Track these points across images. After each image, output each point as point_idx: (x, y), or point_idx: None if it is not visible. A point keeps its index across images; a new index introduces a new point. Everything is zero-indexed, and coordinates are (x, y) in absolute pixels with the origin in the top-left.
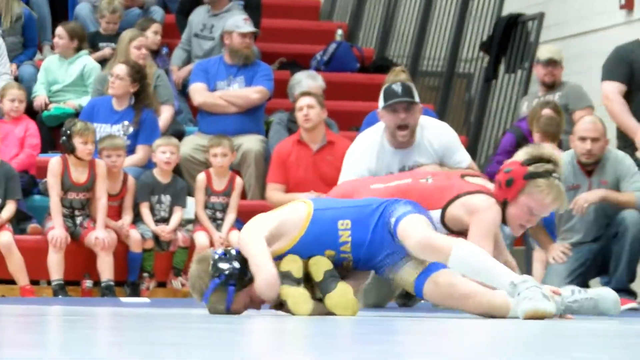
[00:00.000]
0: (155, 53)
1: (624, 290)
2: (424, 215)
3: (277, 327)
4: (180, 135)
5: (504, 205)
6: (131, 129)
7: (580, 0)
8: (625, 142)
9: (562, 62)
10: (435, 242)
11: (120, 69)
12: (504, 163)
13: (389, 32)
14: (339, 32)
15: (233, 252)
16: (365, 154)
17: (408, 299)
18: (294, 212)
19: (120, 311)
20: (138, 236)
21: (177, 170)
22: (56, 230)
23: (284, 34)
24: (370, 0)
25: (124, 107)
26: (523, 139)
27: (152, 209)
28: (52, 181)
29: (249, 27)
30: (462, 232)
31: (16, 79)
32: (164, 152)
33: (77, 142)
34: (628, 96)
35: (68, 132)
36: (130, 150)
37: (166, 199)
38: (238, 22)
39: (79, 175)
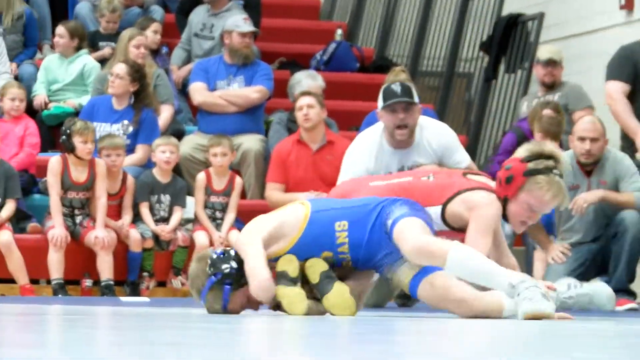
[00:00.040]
0: (155, 52)
1: (624, 291)
2: (421, 217)
3: (274, 327)
4: (180, 134)
5: (504, 202)
6: (131, 128)
7: (580, 0)
8: (627, 142)
9: (562, 62)
10: (430, 248)
11: (120, 68)
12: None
13: (388, 32)
14: (339, 31)
15: (232, 252)
16: (364, 154)
17: (407, 299)
18: (291, 214)
19: (120, 310)
20: (138, 236)
21: (176, 170)
22: (56, 230)
23: (283, 34)
24: (370, 0)
25: (124, 107)
26: (524, 139)
27: (151, 209)
28: (52, 180)
29: (248, 27)
30: (462, 229)
31: (16, 78)
32: (164, 151)
33: (77, 141)
34: (632, 96)
35: (68, 131)
36: (130, 150)
37: (166, 198)
38: (238, 21)
39: (78, 174)
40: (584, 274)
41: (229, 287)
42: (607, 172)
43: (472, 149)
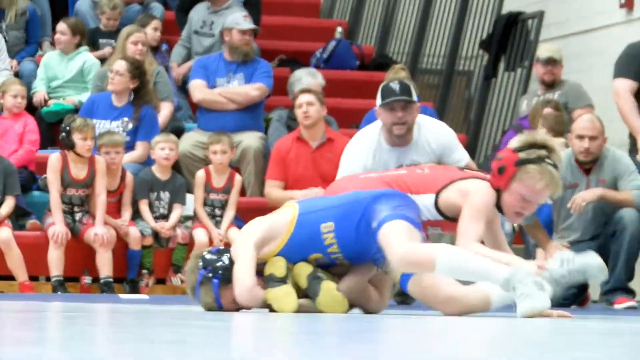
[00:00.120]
0: (154, 50)
1: (622, 289)
2: (406, 214)
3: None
4: (179, 131)
5: (498, 193)
6: (130, 125)
7: None
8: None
9: (562, 61)
10: (416, 257)
11: (120, 65)
12: None
13: (388, 30)
14: (339, 29)
15: (227, 250)
16: (362, 151)
17: (406, 297)
18: (280, 217)
19: (119, 308)
20: (137, 233)
21: (176, 167)
22: (57, 226)
23: (283, 31)
24: None
25: (124, 103)
26: None
27: (151, 206)
28: (52, 177)
29: (248, 24)
30: (456, 219)
31: (16, 74)
32: (163, 148)
33: (76, 138)
34: (639, 94)
35: (67, 128)
36: (130, 147)
37: (165, 195)
38: (238, 19)
39: (78, 171)
40: None
41: (217, 281)
42: (606, 171)
43: (471, 147)
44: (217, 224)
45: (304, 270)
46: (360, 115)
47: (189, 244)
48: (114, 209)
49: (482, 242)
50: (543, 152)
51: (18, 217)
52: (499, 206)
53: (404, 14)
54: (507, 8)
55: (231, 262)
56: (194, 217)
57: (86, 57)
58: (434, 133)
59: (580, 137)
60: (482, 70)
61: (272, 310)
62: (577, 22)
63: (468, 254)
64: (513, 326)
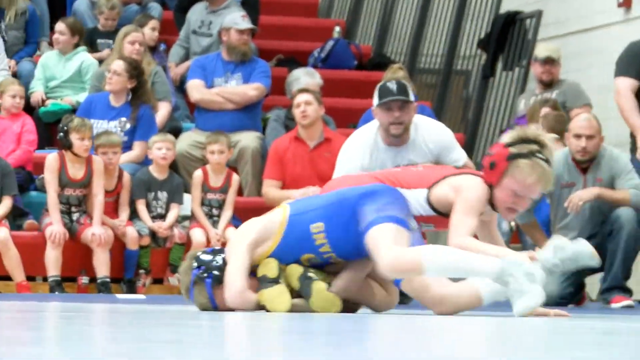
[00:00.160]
0: (152, 49)
1: (619, 288)
2: (395, 215)
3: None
4: (177, 131)
5: (491, 189)
6: (128, 125)
7: None
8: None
9: (560, 60)
10: (404, 263)
11: (118, 64)
12: None
13: (386, 29)
14: (337, 29)
15: (222, 250)
16: (359, 151)
17: (404, 296)
18: (273, 218)
19: (116, 308)
20: (134, 234)
21: (173, 167)
22: (54, 227)
23: (281, 31)
24: None
25: (121, 103)
26: None
27: (148, 206)
28: (50, 177)
29: (246, 24)
30: (448, 214)
31: (15, 75)
32: (160, 148)
33: (74, 138)
34: None
35: (65, 128)
36: (127, 147)
37: (163, 195)
38: (236, 18)
39: (75, 171)
40: (579, 271)
41: (210, 281)
42: (603, 170)
43: (469, 146)
44: (215, 223)
45: (295, 271)
46: (358, 115)
47: (187, 244)
48: (112, 209)
49: (476, 237)
50: (534, 147)
51: (15, 217)
52: (492, 203)
53: (402, 14)
54: (505, 7)
55: (225, 262)
56: (192, 217)
57: (84, 57)
58: (431, 133)
59: (578, 136)
60: (480, 70)
61: (266, 311)
62: (575, 22)
63: (455, 252)
64: (511, 326)
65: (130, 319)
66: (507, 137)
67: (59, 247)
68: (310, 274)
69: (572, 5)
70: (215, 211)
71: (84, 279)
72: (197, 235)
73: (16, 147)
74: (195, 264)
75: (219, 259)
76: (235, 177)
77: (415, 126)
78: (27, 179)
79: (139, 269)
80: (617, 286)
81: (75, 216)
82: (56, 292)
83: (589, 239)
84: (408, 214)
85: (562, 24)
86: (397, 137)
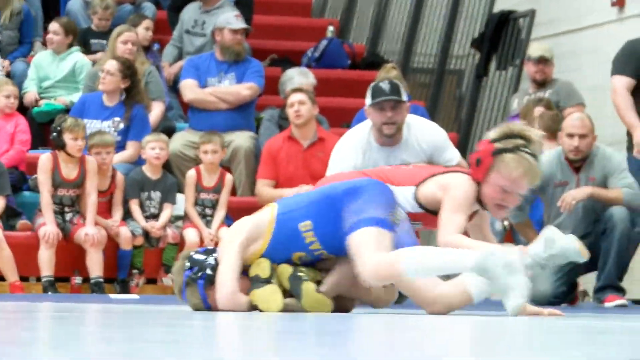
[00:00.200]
0: (146, 49)
1: (613, 287)
2: (375, 220)
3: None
4: (170, 131)
5: (478, 186)
6: (122, 125)
7: None
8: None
9: (553, 59)
10: (383, 270)
11: (111, 64)
12: None
13: (380, 29)
14: (330, 28)
15: (214, 251)
16: (352, 150)
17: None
18: (261, 217)
19: (109, 308)
20: (128, 234)
21: (167, 167)
22: (48, 227)
23: (275, 31)
24: None
25: (115, 103)
26: None
27: (142, 206)
28: (43, 177)
29: (240, 24)
30: (437, 212)
31: (8, 75)
32: (153, 147)
33: (67, 138)
34: (638, 91)
35: (58, 128)
36: (121, 147)
37: (156, 195)
38: (229, 18)
39: (69, 171)
40: (573, 270)
41: (202, 282)
42: (596, 169)
43: (462, 146)
44: (208, 223)
45: (285, 271)
46: (351, 114)
47: (180, 244)
48: (105, 209)
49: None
50: (520, 142)
51: (8, 218)
52: (481, 201)
53: (396, 13)
54: (498, 7)
55: (217, 262)
56: (185, 217)
57: (78, 57)
58: (424, 133)
59: (570, 135)
60: (474, 69)
61: (259, 311)
62: (569, 21)
63: (432, 251)
64: (504, 325)
65: (123, 319)
66: (492, 133)
67: (52, 247)
68: (300, 274)
69: (565, 5)
70: (208, 211)
71: (77, 279)
72: (191, 235)
73: (9, 147)
74: (188, 264)
75: (211, 260)
76: (228, 177)
77: (408, 126)
78: (20, 179)
79: (132, 269)
80: (610, 285)
81: (68, 216)
82: (49, 292)
83: (582, 238)
84: (393, 207)
85: (555, 23)
86: (390, 137)
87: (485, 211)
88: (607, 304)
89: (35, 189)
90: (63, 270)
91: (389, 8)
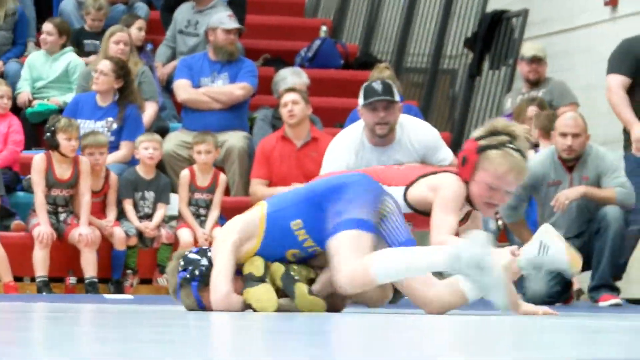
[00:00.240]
0: (139, 49)
1: (607, 286)
2: (355, 221)
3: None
4: (164, 131)
5: (467, 185)
6: (115, 125)
7: None
8: (628, 136)
9: (546, 59)
10: (357, 278)
11: (104, 64)
12: None
13: (373, 29)
14: (324, 28)
15: (208, 250)
16: (345, 150)
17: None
18: (252, 215)
19: (104, 308)
20: (122, 234)
21: (160, 167)
22: (42, 227)
23: (268, 31)
24: None
25: (108, 103)
26: None
27: (135, 206)
28: (36, 178)
29: (233, 24)
30: (427, 213)
31: (1, 75)
32: (147, 147)
33: (61, 138)
34: (632, 90)
35: (52, 128)
36: (114, 147)
37: (150, 195)
38: (222, 18)
39: (62, 171)
40: None
41: (195, 283)
42: (589, 168)
43: (456, 146)
44: (202, 223)
45: (277, 270)
46: (345, 114)
47: (174, 244)
48: (99, 210)
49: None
50: (504, 138)
51: (2, 218)
52: (469, 200)
53: (389, 13)
54: (491, 6)
55: (211, 263)
56: (179, 217)
57: (71, 58)
58: (417, 133)
59: (563, 134)
60: (467, 69)
61: (253, 310)
62: (562, 20)
63: (403, 253)
64: (500, 324)
65: (118, 319)
66: (477, 131)
67: (47, 248)
68: (292, 273)
69: (558, 4)
70: (202, 211)
71: (71, 279)
72: (185, 235)
73: (3, 147)
74: (182, 263)
75: (204, 261)
76: (222, 177)
77: (401, 126)
78: (14, 180)
79: (126, 269)
80: (604, 285)
81: (62, 216)
82: (44, 293)
83: (576, 237)
84: (379, 202)
85: (548, 22)
86: (383, 137)
87: (477, 214)
88: (601, 304)
89: (29, 190)
90: (57, 271)
91: (382, 8)
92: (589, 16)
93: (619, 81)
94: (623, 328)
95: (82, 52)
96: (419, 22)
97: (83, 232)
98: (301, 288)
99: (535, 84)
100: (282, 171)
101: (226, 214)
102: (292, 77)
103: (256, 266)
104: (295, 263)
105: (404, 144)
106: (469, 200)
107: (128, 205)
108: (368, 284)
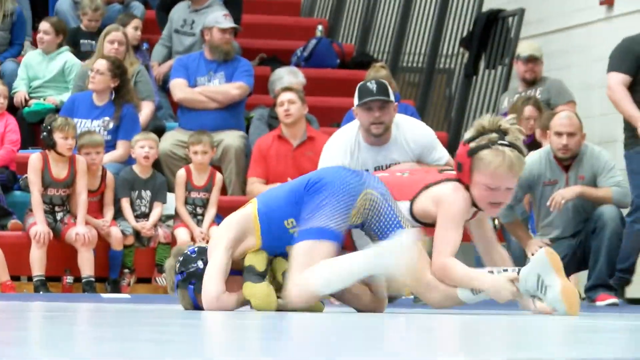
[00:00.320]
0: (135, 49)
1: (604, 286)
2: (315, 231)
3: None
4: (160, 131)
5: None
6: (111, 125)
7: None
8: (629, 132)
9: (543, 58)
10: (304, 293)
11: (101, 64)
12: None
13: (369, 28)
14: (320, 28)
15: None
16: (341, 150)
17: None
18: (244, 213)
19: (101, 307)
20: (119, 234)
21: (157, 166)
22: (39, 226)
23: (264, 30)
24: None
25: (104, 103)
26: None
27: (132, 205)
28: (33, 177)
29: (229, 23)
30: (433, 225)
31: None
32: (143, 146)
33: (57, 137)
34: (632, 87)
35: (49, 127)
36: (111, 146)
37: (146, 194)
38: (218, 17)
39: (59, 171)
40: (564, 269)
41: (192, 286)
42: (585, 167)
43: (452, 145)
44: (199, 222)
45: (280, 266)
46: (341, 113)
47: (171, 243)
48: (95, 209)
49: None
50: (494, 136)
51: None
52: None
53: (385, 12)
54: (487, 6)
55: (206, 264)
56: (176, 216)
57: (67, 57)
58: (412, 132)
59: (559, 133)
60: (463, 68)
61: (250, 307)
62: (558, 20)
63: (336, 262)
64: (495, 324)
65: (115, 318)
66: (467, 133)
67: (44, 247)
68: None
69: (554, 3)
70: (199, 210)
71: (68, 279)
72: (182, 235)
73: (0, 147)
74: (179, 264)
75: (200, 263)
76: (218, 176)
77: (397, 125)
78: (10, 179)
79: (124, 269)
80: (601, 284)
81: (59, 216)
82: (41, 292)
83: (572, 237)
84: (355, 200)
85: (544, 22)
86: (378, 137)
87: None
88: (598, 303)
89: (25, 189)
90: (54, 270)
91: (378, 7)
92: (585, 15)
93: (620, 79)
94: (620, 327)
95: (78, 52)
96: (414, 21)
97: (80, 231)
98: None
99: (531, 83)
100: (278, 170)
101: (223, 213)
102: (288, 77)
103: (259, 259)
104: None
105: (400, 143)
106: (474, 204)
107: (125, 204)
108: (314, 297)
